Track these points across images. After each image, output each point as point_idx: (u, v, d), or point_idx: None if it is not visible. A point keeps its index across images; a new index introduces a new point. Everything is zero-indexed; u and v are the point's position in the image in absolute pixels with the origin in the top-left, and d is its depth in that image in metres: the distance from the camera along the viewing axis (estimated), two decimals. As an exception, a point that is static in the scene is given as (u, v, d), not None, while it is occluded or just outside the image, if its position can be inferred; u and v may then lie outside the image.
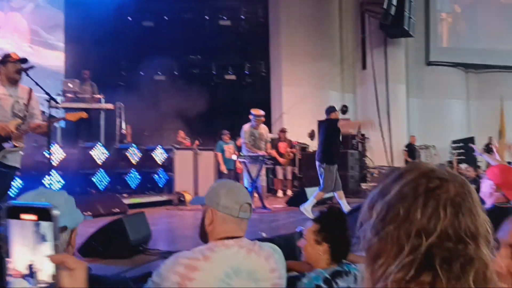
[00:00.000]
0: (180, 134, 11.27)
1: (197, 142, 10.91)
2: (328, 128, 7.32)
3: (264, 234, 3.78)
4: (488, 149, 15.63)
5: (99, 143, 8.54)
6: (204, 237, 1.93)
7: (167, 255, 4.36)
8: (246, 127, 8.04)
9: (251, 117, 7.97)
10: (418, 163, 0.86)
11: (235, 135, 10.45)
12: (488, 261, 0.78)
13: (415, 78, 16.31)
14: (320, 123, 7.92)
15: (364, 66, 14.96)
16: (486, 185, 3.04)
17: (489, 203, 2.96)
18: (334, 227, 2.28)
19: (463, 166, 12.50)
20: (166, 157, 9.37)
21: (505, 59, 17.44)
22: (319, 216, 2.36)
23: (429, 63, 16.75)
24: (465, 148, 14.68)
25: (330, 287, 2.09)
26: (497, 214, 2.93)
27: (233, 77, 13.76)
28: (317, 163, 7.19)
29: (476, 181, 8.40)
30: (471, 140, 15.62)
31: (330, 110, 7.52)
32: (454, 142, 15.78)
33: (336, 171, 7.07)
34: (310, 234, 2.30)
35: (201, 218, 1.94)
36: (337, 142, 7.38)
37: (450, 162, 14.21)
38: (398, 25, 13.53)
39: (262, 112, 7.99)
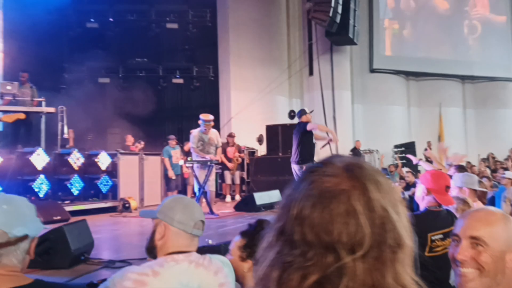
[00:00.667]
0: (128, 139, 10.99)
1: (142, 144, 10.69)
2: (301, 130, 7.48)
3: (210, 241, 3.72)
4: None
5: (39, 148, 8.18)
6: (151, 251, 1.88)
7: (110, 264, 4.24)
8: (195, 132, 7.96)
9: (200, 122, 7.89)
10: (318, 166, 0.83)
11: (183, 140, 10.33)
12: (367, 271, 0.73)
13: (359, 84, 16.78)
14: (295, 126, 8.04)
15: (311, 72, 15.22)
16: (419, 190, 3.14)
17: (422, 206, 3.07)
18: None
19: (405, 170, 12.94)
20: (110, 162, 9.10)
21: (443, 67, 18.30)
22: (246, 230, 2.20)
23: (373, 71, 17.29)
24: (406, 153, 15.22)
25: None
26: (428, 217, 3.06)
27: (180, 80, 13.58)
28: (295, 166, 7.33)
29: (414, 186, 8.71)
30: (412, 144, 16.26)
31: (302, 113, 7.76)
32: (396, 146, 16.35)
33: None
34: (236, 249, 2.18)
35: (152, 232, 1.89)
36: (311, 142, 7.57)
37: (396, 166, 14.69)
38: (343, 33, 13.85)
39: (211, 117, 7.92)
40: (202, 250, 2.40)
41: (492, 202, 7.21)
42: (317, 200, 0.74)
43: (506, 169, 10.72)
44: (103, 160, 9.00)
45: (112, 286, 1.68)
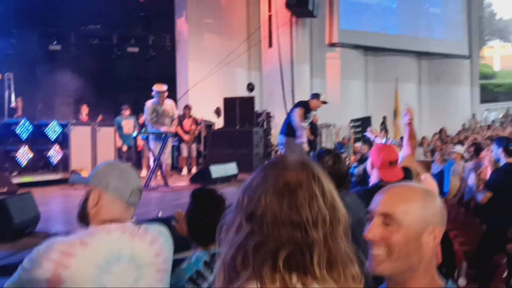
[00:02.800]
0: (83, 109, 10.59)
1: (100, 117, 10.36)
2: (291, 113, 7.58)
3: (160, 214, 3.61)
4: (384, 128, 16.67)
5: (-17, 117, 7.77)
6: (84, 219, 1.77)
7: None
8: (148, 103, 7.74)
9: (153, 93, 7.68)
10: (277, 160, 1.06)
11: (139, 111, 10.05)
12: (330, 244, 0.95)
13: (318, 58, 16.80)
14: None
15: (270, 44, 15.08)
16: (368, 164, 3.13)
17: (372, 181, 3.05)
18: (204, 209, 2.17)
19: (358, 144, 13.14)
20: (61, 132, 8.76)
21: (400, 43, 18.57)
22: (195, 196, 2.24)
23: (331, 45, 17.32)
24: (362, 126, 15.49)
25: (211, 269, 2.02)
26: (374, 192, 3.03)
27: (135, 49, 13.13)
28: (283, 137, 7.54)
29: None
30: (368, 119, 16.53)
31: (314, 96, 7.77)
32: (353, 121, 16.58)
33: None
34: (181, 216, 2.24)
35: (84, 199, 1.78)
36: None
37: (349, 139, 14.92)
38: (303, 5, 13.74)
39: (164, 88, 7.70)
40: (153, 222, 2.32)
41: (441, 175, 7.42)
42: (285, 190, 0.95)
43: (457, 143, 11.04)
44: (53, 131, 8.66)
45: (38, 257, 1.57)
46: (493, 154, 4.58)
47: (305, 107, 7.59)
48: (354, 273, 0.98)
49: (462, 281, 3.39)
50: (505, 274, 3.15)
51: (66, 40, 12.65)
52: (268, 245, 0.91)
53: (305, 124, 7.80)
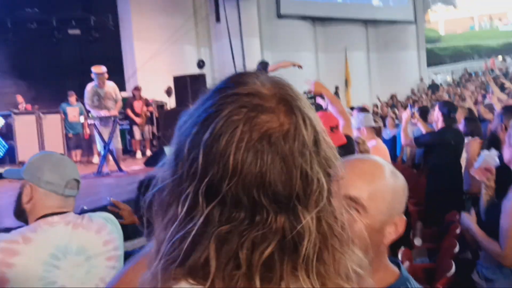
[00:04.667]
0: (18, 99, 10.11)
1: (36, 107, 9.94)
2: None
3: (85, 207, 3.39)
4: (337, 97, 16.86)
5: None
6: (21, 216, 1.72)
7: (7, 232, 3.90)
8: (88, 86, 7.42)
9: (92, 75, 7.37)
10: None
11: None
12: (324, 228, 0.63)
13: (268, 31, 16.68)
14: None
15: (218, 19, 14.82)
16: None
17: None
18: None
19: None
20: (3, 123, 8.34)
21: (347, 11, 18.70)
22: (138, 183, 2.16)
23: (280, 16, 17.23)
24: (315, 97, 15.57)
25: None
26: None
27: (77, 31, 12.57)
28: None
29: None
30: (320, 90, 16.64)
31: (262, 65, 7.55)
32: (305, 92, 16.66)
33: None
34: (121, 204, 2.28)
35: (18, 194, 1.72)
36: None
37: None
38: (248, -23, 13.52)
39: (103, 69, 7.39)
40: (105, 209, 2.24)
41: (394, 140, 7.57)
42: (262, 147, 0.59)
43: (406, 107, 11.27)
44: (-5, 122, 8.25)
45: None
46: (434, 117, 4.72)
47: None
48: (349, 267, 0.66)
49: (418, 241, 3.46)
50: (458, 231, 3.23)
51: (2, 26, 11.96)
52: (235, 238, 0.59)
53: None
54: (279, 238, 0.60)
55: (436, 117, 4.58)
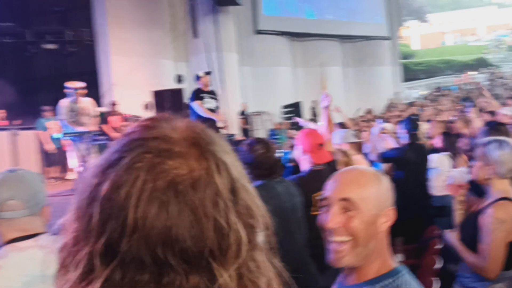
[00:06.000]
0: (0, 114, 9.87)
1: (19, 121, 9.73)
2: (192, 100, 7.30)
3: None
4: (313, 113, 16.97)
5: None
6: None
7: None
8: (63, 102, 7.28)
9: (67, 90, 7.24)
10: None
11: (60, 111, 9.52)
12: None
13: (246, 46, 16.74)
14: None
15: (195, 34, 14.82)
16: (297, 152, 3.11)
17: (305, 167, 3.03)
18: None
19: (293, 131, 13.30)
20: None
21: (323, 27, 18.95)
22: None
23: (258, 32, 17.34)
24: (294, 112, 15.68)
25: None
26: (312, 178, 3.06)
27: (52, 46, 12.40)
28: None
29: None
30: (298, 104, 16.77)
31: (196, 78, 7.50)
32: (284, 106, 16.76)
33: None
34: None
35: None
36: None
37: (281, 125, 15.05)
38: (225, -7, 13.60)
39: (79, 84, 7.28)
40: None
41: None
42: (168, 197, 0.52)
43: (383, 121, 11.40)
44: (-34, 138, 8.02)
45: None
46: (398, 133, 4.92)
47: (197, 93, 7.30)
48: None
49: (399, 257, 3.47)
50: (438, 246, 3.25)
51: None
52: None
53: (212, 104, 7.37)
54: None
55: (400, 133, 4.77)
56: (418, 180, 4.68)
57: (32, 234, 1.60)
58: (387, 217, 1.23)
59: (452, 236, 2.73)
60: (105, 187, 0.52)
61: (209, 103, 7.28)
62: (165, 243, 0.50)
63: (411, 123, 4.88)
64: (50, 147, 9.25)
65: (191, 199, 0.52)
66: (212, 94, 7.43)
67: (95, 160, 0.47)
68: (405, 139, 4.84)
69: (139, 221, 0.50)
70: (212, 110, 7.25)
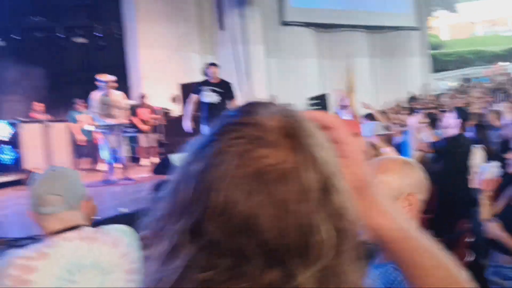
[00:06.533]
0: (35, 106, 10.12)
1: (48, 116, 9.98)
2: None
3: (123, 210, 3.45)
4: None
5: None
6: None
7: (15, 242, 3.90)
8: (95, 95, 7.39)
9: (98, 83, 7.37)
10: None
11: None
12: None
13: (272, 38, 16.70)
14: None
15: (222, 27, 14.86)
16: None
17: None
18: None
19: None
20: (11, 132, 8.37)
21: (350, 18, 18.73)
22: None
23: (284, 24, 17.27)
24: (320, 105, 15.59)
25: None
26: None
27: (83, 40, 12.64)
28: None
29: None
30: (324, 96, 16.65)
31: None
32: (310, 99, 16.67)
33: None
34: None
35: None
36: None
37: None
38: (253, -16, 13.58)
39: (110, 77, 7.39)
40: (115, 219, 2.23)
41: (402, 147, 7.55)
42: (252, 186, 0.50)
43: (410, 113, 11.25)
44: (2, 130, 8.27)
45: None
46: (450, 122, 4.71)
47: (197, 86, 7.16)
48: None
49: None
50: (468, 239, 3.22)
51: (8, 34, 12.04)
52: None
53: (213, 98, 7.02)
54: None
55: (450, 123, 4.61)
56: (462, 171, 4.58)
57: (74, 226, 1.69)
58: (409, 201, 1.29)
59: (495, 227, 2.71)
60: (199, 166, 0.52)
61: (210, 96, 6.98)
62: (246, 231, 0.50)
63: (462, 113, 4.72)
64: (81, 139, 9.46)
65: (275, 191, 0.50)
66: (217, 86, 7.06)
67: (191, 142, 0.46)
68: (451, 131, 4.64)
69: (225, 205, 0.50)
70: (213, 104, 6.92)
